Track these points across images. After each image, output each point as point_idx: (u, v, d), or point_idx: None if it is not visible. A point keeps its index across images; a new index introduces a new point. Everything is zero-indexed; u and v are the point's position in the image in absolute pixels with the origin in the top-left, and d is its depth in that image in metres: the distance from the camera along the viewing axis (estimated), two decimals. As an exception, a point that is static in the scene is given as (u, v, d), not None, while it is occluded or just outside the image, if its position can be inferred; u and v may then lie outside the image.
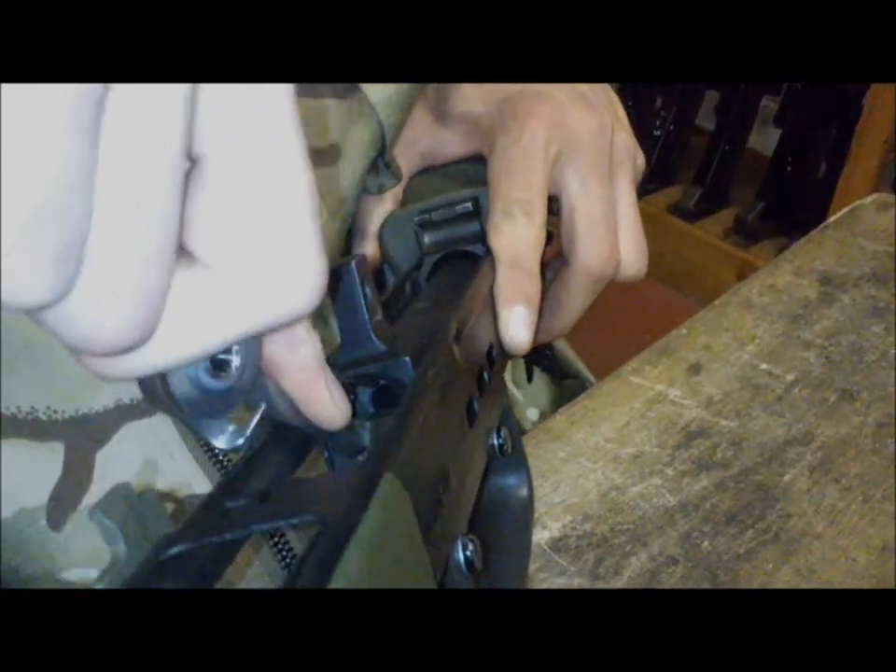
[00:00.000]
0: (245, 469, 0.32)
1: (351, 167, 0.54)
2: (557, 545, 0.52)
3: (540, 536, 0.53)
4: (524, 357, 0.73)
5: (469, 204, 0.56)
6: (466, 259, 0.54)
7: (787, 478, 0.57)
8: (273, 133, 0.27)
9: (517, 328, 0.51)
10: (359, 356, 0.37)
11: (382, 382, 0.37)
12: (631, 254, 0.57)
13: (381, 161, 0.56)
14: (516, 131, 0.55)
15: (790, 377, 0.64)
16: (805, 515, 0.55)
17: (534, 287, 0.52)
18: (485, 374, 0.44)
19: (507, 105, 0.57)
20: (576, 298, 0.56)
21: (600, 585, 0.50)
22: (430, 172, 0.62)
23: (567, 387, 0.78)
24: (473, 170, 0.59)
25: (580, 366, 0.79)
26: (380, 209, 0.58)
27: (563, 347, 0.81)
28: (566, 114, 0.56)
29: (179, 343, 0.25)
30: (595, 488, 0.56)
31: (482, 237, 0.55)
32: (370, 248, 0.58)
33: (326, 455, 0.36)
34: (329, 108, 0.52)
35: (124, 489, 0.48)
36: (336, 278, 0.35)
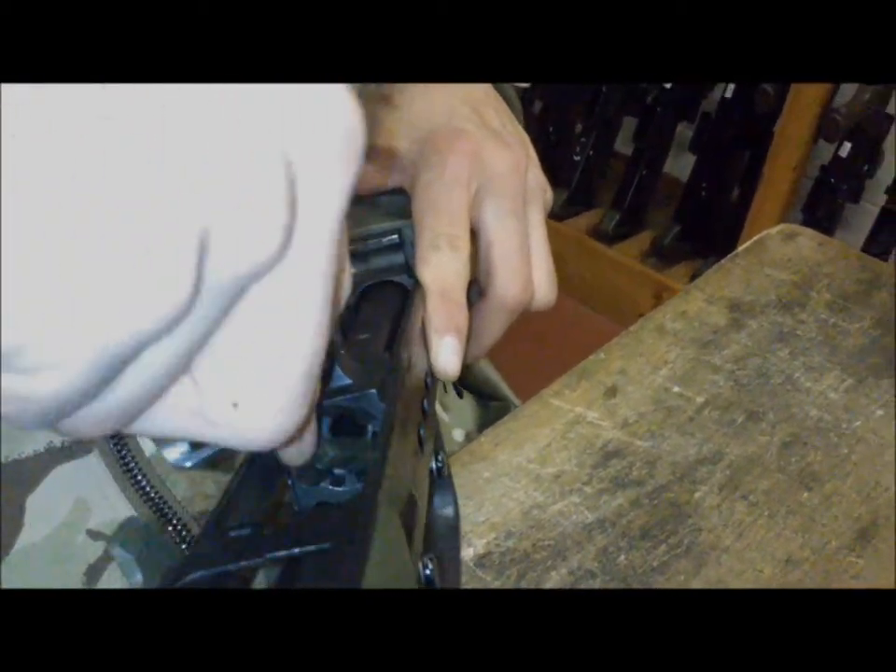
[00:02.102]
0: (234, 501, 0.34)
1: None
2: (482, 561, 0.55)
3: (466, 553, 0.55)
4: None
5: (394, 236, 0.57)
6: (391, 289, 0.56)
7: (697, 495, 0.60)
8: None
9: (447, 356, 0.52)
10: (325, 388, 0.39)
11: (346, 413, 0.40)
12: (543, 285, 0.59)
13: None
14: (439, 166, 0.57)
15: (700, 399, 0.67)
16: (714, 530, 0.58)
17: (462, 316, 0.54)
18: (425, 402, 0.46)
19: (429, 141, 0.59)
20: (492, 326, 0.59)
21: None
22: (354, 203, 0.63)
23: (492, 409, 0.80)
24: (393, 202, 0.61)
25: (503, 387, 0.82)
26: None
27: (487, 369, 0.84)
28: (484, 151, 0.58)
29: None
30: (517, 507, 0.58)
31: (406, 268, 0.57)
32: None
33: (289, 481, 0.39)
34: None
35: (135, 521, 0.50)
36: None
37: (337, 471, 0.38)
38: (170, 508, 0.55)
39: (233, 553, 0.30)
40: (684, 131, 2.43)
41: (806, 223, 2.10)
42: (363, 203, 0.63)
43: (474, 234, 0.58)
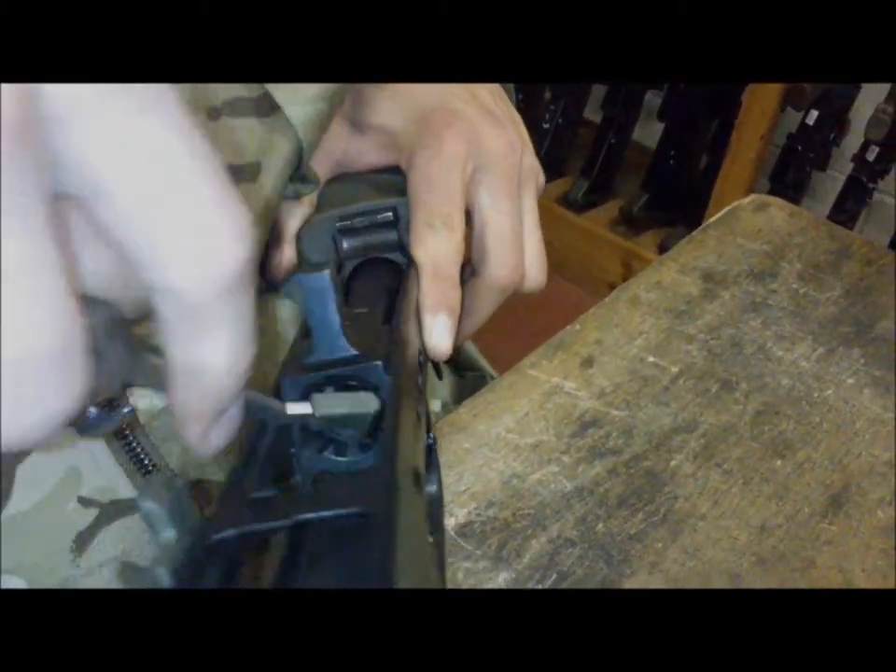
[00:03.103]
0: (250, 465, 0.35)
1: (271, 183, 0.55)
2: (463, 531, 0.56)
3: (448, 522, 0.56)
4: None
5: (389, 214, 0.58)
6: (384, 266, 0.56)
7: (673, 463, 0.61)
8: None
9: (440, 334, 0.53)
10: (331, 358, 0.39)
11: (352, 384, 0.40)
12: (534, 267, 0.61)
13: (297, 173, 0.58)
14: (436, 146, 0.57)
15: (674, 369, 0.68)
16: (690, 498, 0.59)
17: (455, 295, 0.54)
18: (420, 379, 0.46)
19: (424, 121, 0.59)
20: (483, 306, 0.59)
21: (503, 567, 0.54)
22: (345, 179, 0.63)
23: (468, 379, 0.81)
24: (387, 180, 0.61)
25: (479, 357, 0.83)
26: (296, 213, 0.60)
27: (465, 342, 0.85)
28: (479, 132, 0.59)
29: None
30: (497, 476, 0.59)
31: (399, 246, 0.57)
32: (287, 252, 0.59)
33: (293, 451, 0.39)
34: (251, 127, 0.53)
35: (162, 477, 0.50)
36: (308, 284, 0.38)
37: (340, 438, 0.39)
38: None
39: (259, 513, 0.30)
40: (653, 99, 2.44)
41: (774, 191, 2.12)
42: (358, 180, 0.63)
43: (468, 214, 0.58)
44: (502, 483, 0.59)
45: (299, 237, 0.59)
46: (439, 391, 0.81)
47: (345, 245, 0.58)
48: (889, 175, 2.11)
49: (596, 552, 0.56)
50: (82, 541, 0.53)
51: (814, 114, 2.07)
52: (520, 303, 0.65)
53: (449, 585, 0.52)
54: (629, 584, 0.54)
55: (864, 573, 0.57)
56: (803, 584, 0.55)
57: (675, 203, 2.39)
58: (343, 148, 0.63)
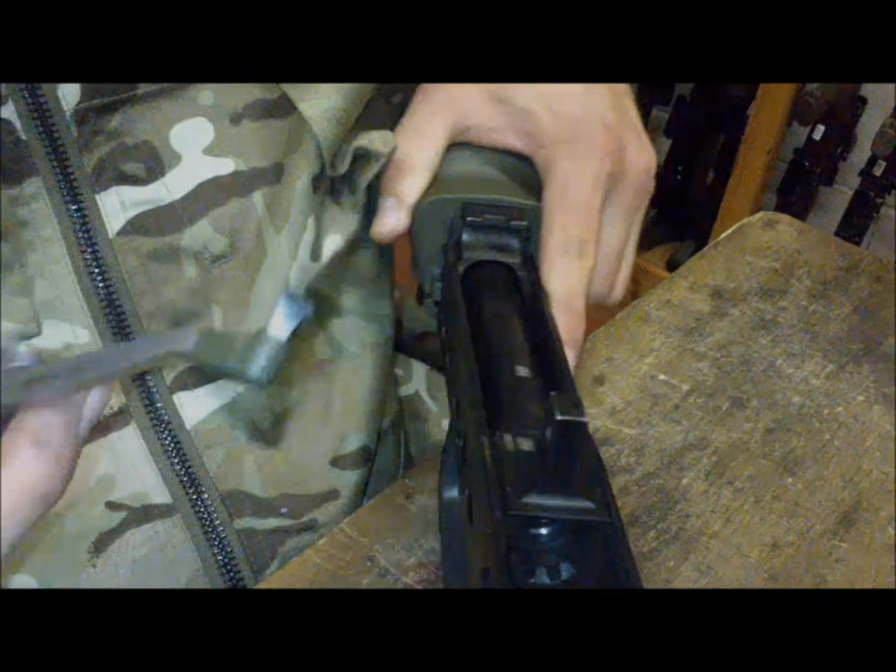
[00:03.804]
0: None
1: (294, 184, 0.55)
2: (477, 549, 0.56)
3: (461, 540, 0.56)
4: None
5: (524, 222, 0.54)
6: (503, 275, 0.53)
7: (685, 481, 0.62)
8: None
9: None
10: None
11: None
12: (620, 287, 0.58)
13: (329, 175, 0.57)
14: (582, 161, 0.54)
15: (685, 387, 0.69)
16: (702, 516, 0.60)
17: (582, 329, 0.52)
18: None
19: (571, 125, 0.55)
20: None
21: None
22: (473, 150, 0.59)
23: None
24: (520, 170, 0.57)
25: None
26: (414, 181, 0.56)
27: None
28: (625, 152, 0.55)
29: None
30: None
31: (524, 257, 0.54)
32: (403, 219, 0.56)
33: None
34: (271, 128, 0.53)
35: None
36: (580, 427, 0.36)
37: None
38: (197, 486, 0.56)
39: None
40: (659, 114, 2.44)
41: (781, 206, 2.12)
42: (487, 158, 0.58)
43: None
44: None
45: (417, 210, 0.55)
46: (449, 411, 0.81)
47: (466, 237, 0.54)
48: (895, 190, 2.11)
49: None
50: (103, 543, 0.54)
51: (820, 129, 2.07)
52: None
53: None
54: (642, 602, 0.54)
55: (876, 590, 0.57)
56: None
57: (682, 218, 2.39)
58: (482, 117, 0.57)
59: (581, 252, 0.52)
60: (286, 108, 0.53)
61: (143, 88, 0.49)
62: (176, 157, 0.51)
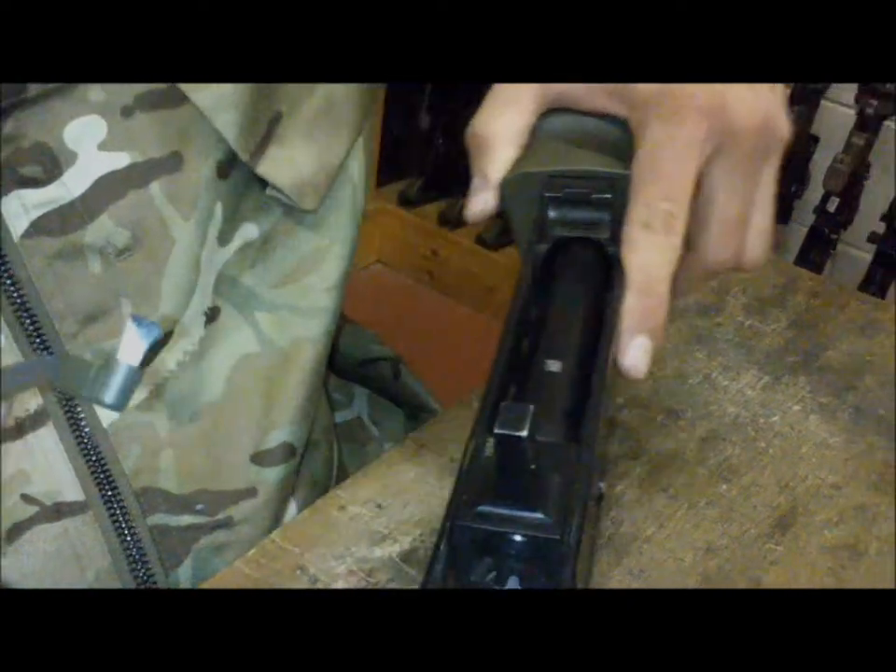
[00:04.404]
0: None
1: (196, 171, 0.55)
2: (408, 557, 0.56)
3: (391, 549, 0.56)
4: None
5: (606, 193, 0.50)
6: (590, 253, 0.51)
7: (618, 489, 0.61)
8: None
9: (636, 357, 0.49)
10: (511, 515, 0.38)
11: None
12: (755, 247, 0.54)
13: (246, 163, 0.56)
14: (674, 123, 0.50)
15: (619, 400, 0.69)
16: (635, 522, 0.60)
17: (662, 314, 0.49)
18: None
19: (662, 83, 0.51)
20: (685, 283, 0.53)
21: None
22: (565, 117, 0.54)
23: (422, 420, 0.81)
24: (614, 136, 0.53)
25: (430, 399, 0.83)
26: (497, 156, 0.53)
27: (413, 383, 0.85)
28: (730, 107, 0.50)
29: None
30: (441, 504, 0.59)
31: (611, 229, 0.51)
32: (490, 199, 0.53)
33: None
34: (165, 118, 0.53)
35: None
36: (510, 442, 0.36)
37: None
38: (112, 483, 0.56)
39: None
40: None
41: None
42: (579, 124, 0.54)
43: (696, 186, 0.50)
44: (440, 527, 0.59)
45: (504, 187, 0.52)
46: (393, 434, 0.81)
47: (551, 213, 0.51)
48: (851, 226, 2.13)
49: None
50: (14, 532, 0.54)
51: (773, 168, 2.10)
52: (468, 348, 0.64)
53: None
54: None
55: (810, 591, 0.57)
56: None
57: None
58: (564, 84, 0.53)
59: (666, 226, 0.48)
60: (178, 97, 0.53)
61: (32, 89, 0.49)
62: (72, 155, 0.51)
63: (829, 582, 0.57)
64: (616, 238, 0.50)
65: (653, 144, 0.50)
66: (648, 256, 0.49)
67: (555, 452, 0.40)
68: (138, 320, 0.35)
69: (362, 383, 0.84)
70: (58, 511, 0.55)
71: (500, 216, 0.53)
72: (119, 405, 0.34)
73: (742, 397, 0.70)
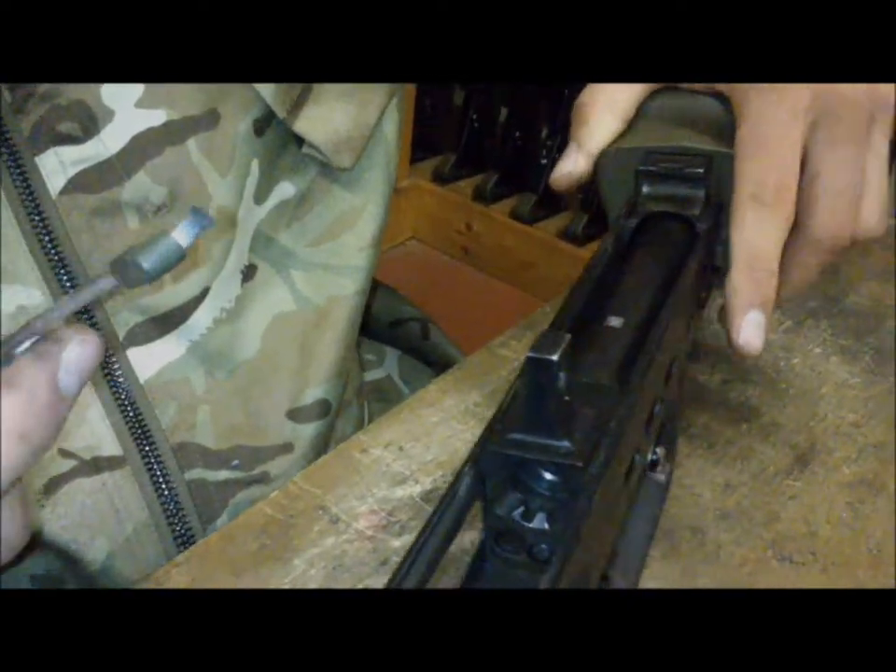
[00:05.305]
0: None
1: (233, 128, 0.56)
2: (429, 497, 0.57)
3: (413, 490, 0.57)
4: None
5: (700, 169, 0.51)
6: (677, 228, 0.50)
7: (638, 429, 0.62)
8: None
9: (750, 334, 0.49)
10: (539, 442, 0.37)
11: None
12: (873, 215, 0.52)
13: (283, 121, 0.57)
14: (776, 93, 0.49)
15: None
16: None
17: (772, 287, 0.49)
18: (657, 405, 0.44)
19: None
20: (803, 265, 0.53)
21: (466, 528, 0.55)
22: (670, 96, 0.55)
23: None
24: (715, 112, 0.53)
25: (459, 359, 0.84)
26: (595, 127, 0.54)
27: (446, 346, 0.86)
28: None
29: None
30: (464, 447, 0.60)
31: (704, 205, 0.51)
32: (583, 164, 0.54)
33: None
34: None
35: None
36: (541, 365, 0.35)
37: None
38: (149, 438, 0.57)
39: None
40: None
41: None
42: (682, 102, 0.55)
43: (802, 160, 0.50)
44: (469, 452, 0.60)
45: (600, 161, 0.53)
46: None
47: (645, 188, 0.51)
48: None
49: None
50: (53, 486, 0.55)
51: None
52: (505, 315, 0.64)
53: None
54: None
55: (829, 525, 0.57)
56: (767, 536, 0.56)
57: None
58: None
59: (776, 199, 0.48)
60: None
61: None
62: (109, 113, 0.52)
63: (847, 517, 0.58)
64: (706, 214, 0.50)
65: (756, 118, 0.49)
66: (756, 229, 0.48)
67: (596, 391, 0.40)
68: (195, 209, 0.36)
69: (392, 343, 0.85)
70: (96, 466, 0.56)
71: (585, 188, 0.54)
72: (152, 273, 0.34)
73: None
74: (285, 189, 0.61)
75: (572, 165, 0.54)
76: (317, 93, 0.57)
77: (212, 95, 0.55)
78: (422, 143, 2.49)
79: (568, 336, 0.36)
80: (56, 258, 0.53)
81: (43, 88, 0.51)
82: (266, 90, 0.55)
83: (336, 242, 0.64)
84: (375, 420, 0.63)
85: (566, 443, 0.36)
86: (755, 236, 0.48)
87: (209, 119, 0.55)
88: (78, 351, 0.34)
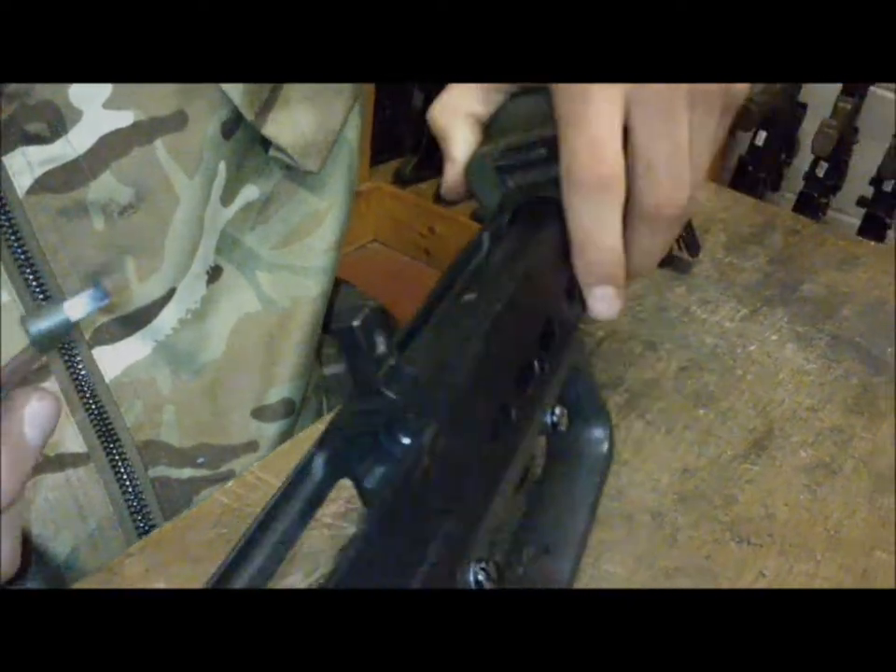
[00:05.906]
0: None
1: (201, 130, 0.56)
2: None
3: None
4: None
5: (542, 150, 0.51)
6: (544, 208, 0.50)
7: (596, 416, 0.62)
8: None
9: (602, 307, 0.50)
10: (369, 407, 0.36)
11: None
12: (697, 190, 0.52)
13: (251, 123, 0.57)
14: (593, 86, 0.49)
15: (600, 333, 0.69)
16: (613, 447, 0.60)
17: (611, 262, 0.49)
18: (535, 364, 0.44)
19: None
20: (642, 239, 0.51)
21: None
22: (525, 97, 0.55)
23: None
24: (534, 106, 0.54)
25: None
26: (462, 134, 0.53)
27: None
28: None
29: None
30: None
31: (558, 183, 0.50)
32: (456, 175, 0.53)
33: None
34: None
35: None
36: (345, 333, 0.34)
37: None
38: (113, 436, 0.57)
39: None
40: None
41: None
42: (535, 100, 0.54)
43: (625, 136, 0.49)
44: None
45: (467, 168, 0.53)
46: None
47: (510, 183, 0.52)
48: (840, 192, 2.14)
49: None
50: None
51: (762, 134, 2.11)
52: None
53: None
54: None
55: (787, 507, 0.58)
56: (725, 519, 0.56)
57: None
58: None
59: (599, 182, 0.48)
60: None
61: None
62: (77, 113, 0.52)
63: (804, 500, 0.58)
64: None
65: (570, 100, 0.49)
66: (584, 213, 0.48)
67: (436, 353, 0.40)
68: (98, 285, 0.36)
69: (351, 338, 0.85)
70: (60, 463, 0.56)
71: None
72: (41, 346, 0.36)
73: (720, 328, 0.71)
74: (250, 192, 0.61)
75: (450, 181, 0.54)
76: (285, 97, 0.58)
77: (180, 97, 0.54)
78: (382, 145, 2.48)
79: (372, 303, 0.35)
80: (23, 257, 0.53)
81: (11, 87, 0.50)
82: (234, 91, 0.55)
83: (301, 244, 0.64)
84: (332, 411, 0.62)
85: (388, 402, 0.35)
86: (583, 217, 0.48)
87: (177, 121, 0.55)
88: (38, 406, 0.37)
